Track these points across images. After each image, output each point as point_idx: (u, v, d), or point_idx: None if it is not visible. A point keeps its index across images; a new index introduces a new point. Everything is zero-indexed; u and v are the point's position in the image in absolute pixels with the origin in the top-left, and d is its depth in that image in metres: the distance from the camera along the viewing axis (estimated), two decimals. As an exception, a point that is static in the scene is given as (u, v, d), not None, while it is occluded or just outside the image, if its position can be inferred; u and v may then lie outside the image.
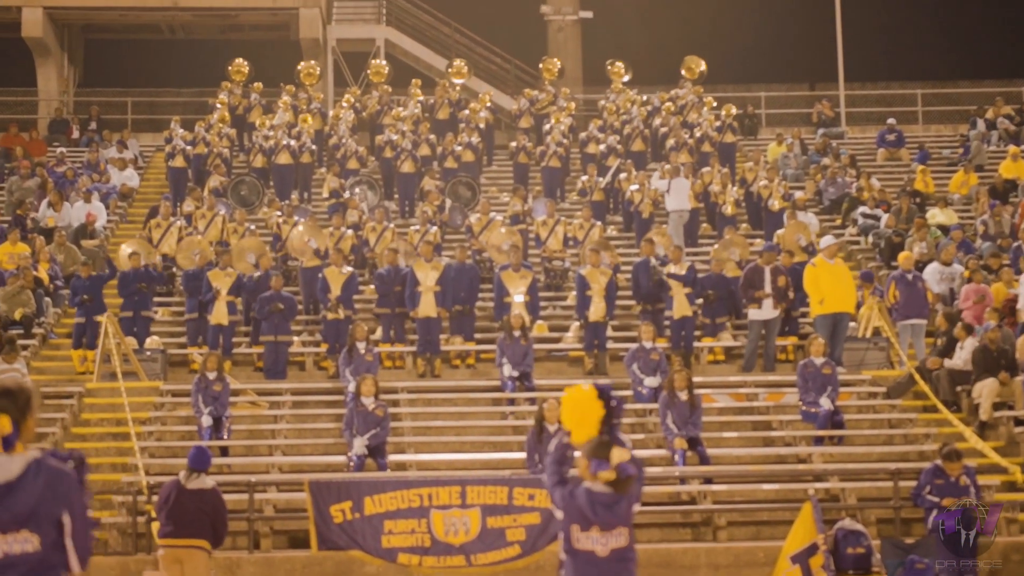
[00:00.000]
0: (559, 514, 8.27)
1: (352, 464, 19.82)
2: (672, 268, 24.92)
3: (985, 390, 21.61)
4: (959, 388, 22.34)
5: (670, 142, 34.00)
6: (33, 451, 6.22)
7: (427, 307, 24.56)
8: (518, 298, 24.81)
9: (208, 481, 14.67)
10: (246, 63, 38.47)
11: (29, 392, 6.28)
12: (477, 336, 25.56)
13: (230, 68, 38.19)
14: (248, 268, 26.13)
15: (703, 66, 38.17)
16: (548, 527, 16.43)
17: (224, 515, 14.78)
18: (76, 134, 39.42)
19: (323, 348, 24.97)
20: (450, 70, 39.27)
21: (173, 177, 33.06)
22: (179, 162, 33.04)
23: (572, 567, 8.19)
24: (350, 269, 25.34)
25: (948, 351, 22.87)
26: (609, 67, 38.98)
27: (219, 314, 24.75)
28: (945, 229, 29.38)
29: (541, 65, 39.84)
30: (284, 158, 32.95)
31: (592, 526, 8.15)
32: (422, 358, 24.67)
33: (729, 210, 30.18)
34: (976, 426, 21.35)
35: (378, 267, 26.44)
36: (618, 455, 8.10)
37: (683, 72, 38.36)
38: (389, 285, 25.25)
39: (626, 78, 38.62)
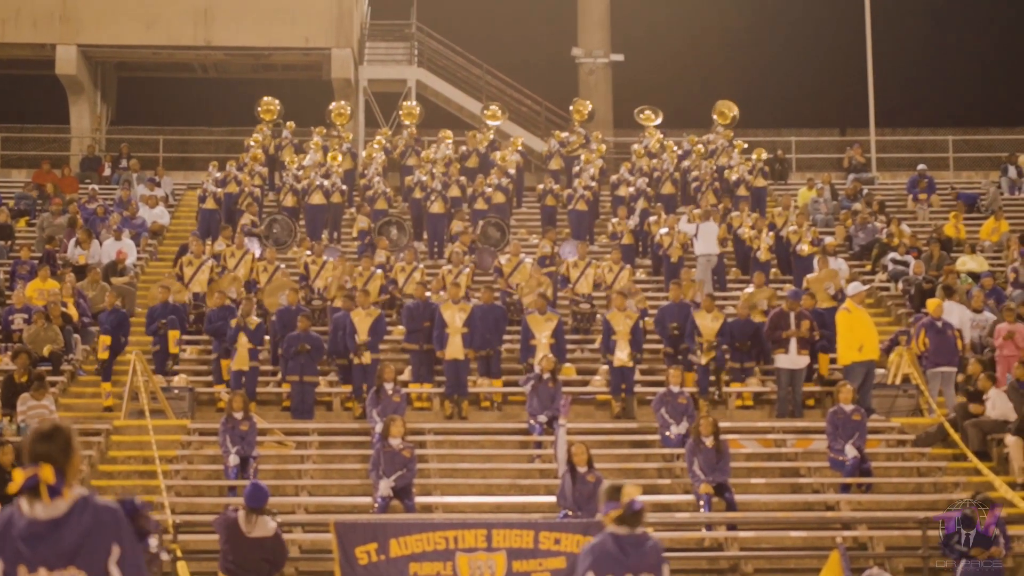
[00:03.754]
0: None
1: (377, 505, 19.78)
2: (707, 319, 24.80)
3: (1014, 449, 21.48)
4: (989, 437, 22.22)
5: (695, 184, 34.01)
6: (79, 489, 6.21)
7: (455, 349, 24.54)
8: (543, 341, 24.78)
9: (270, 524, 14.46)
10: (276, 101, 38.57)
11: (67, 432, 6.22)
12: (504, 378, 25.52)
13: (259, 108, 38.31)
14: (277, 306, 26.19)
15: (735, 111, 38.14)
16: (574, 571, 16.34)
17: (284, 558, 14.78)
18: (108, 171, 39.60)
19: (347, 389, 24.94)
20: (485, 113, 39.36)
21: (204, 218, 33.14)
22: (210, 204, 33.15)
23: None
24: (377, 310, 25.29)
25: (976, 400, 22.80)
26: (639, 115, 39.01)
27: (240, 359, 24.67)
28: (975, 276, 29.27)
29: (571, 107, 39.89)
30: (317, 198, 33.03)
31: (625, 573, 8.11)
32: (450, 400, 24.63)
33: (763, 255, 30.08)
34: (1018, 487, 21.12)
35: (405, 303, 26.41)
36: (629, 492, 8.07)
37: (715, 117, 38.35)
38: (418, 320, 25.23)
39: (657, 121, 38.66)
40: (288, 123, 38.19)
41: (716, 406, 24.48)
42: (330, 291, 27.37)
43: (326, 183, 33.19)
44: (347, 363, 24.90)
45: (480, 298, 25.80)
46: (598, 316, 27.19)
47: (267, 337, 25.69)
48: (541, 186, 35.09)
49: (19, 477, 6.13)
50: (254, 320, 24.97)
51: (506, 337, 26.05)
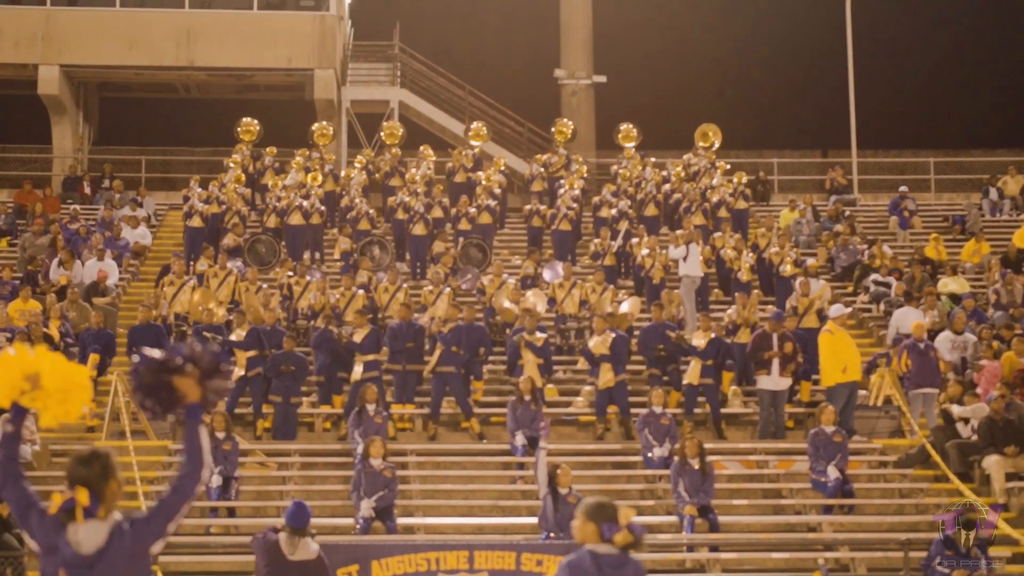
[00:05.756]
0: None
1: (359, 527, 19.73)
2: (700, 339, 24.87)
3: (994, 470, 21.51)
4: (971, 459, 22.24)
5: (684, 205, 33.99)
6: (115, 514, 6.45)
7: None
8: (531, 360, 24.82)
9: (312, 546, 14.00)
10: (255, 122, 38.46)
11: (105, 457, 6.52)
12: (487, 399, 25.51)
13: (239, 129, 38.22)
14: (262, 318, 26.24)
15: (719, 136, 38.05)
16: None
17: None
18: (87, 190, 39.46)
19: (322, 405, 24.97)
20: (469, 133, 39.36)
21: (189, 236, 33.03)
22: (196, 222, 32.99)
23: None
24: (370, 325, 25.29)
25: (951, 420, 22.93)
26: (618, 132, 39.03)
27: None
28: (956, 298, 29.33)
29: (553, 128, 39.92)
30: (296, 219, 32.96)
31: None
32: (433, 421, 24.65)
33: (744, 276, 30.12)
34: (994, 506, 21.14)
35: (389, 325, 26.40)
36: (625, 514, 7.83)
37: (698, 140, 38.28)
38: (401, 341, 25.19)
39: (634, 142, 38.65)
40: (269, 148, 38.11)
41: (699, 427, 24.51)
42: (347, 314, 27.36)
43: (305, 204, 33.15)
44: (328, 382, 24.94)
45: (463, 317, 25.81)
46: (586, 333, 27.15)
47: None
48: (528, 207, 35.09)
49: (58, 500, 6.44)
50: (239, 333, 25.04)
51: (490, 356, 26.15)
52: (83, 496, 6.39)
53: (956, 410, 22.78)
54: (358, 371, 24.51)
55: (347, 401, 24.51)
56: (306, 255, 32.81)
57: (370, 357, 24.68)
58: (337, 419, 24.86)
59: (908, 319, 26.32)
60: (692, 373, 24.67)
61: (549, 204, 35.53)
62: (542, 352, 25.09)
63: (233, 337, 25.17)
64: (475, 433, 24.64)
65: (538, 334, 25.23)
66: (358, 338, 24.76)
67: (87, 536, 6.36)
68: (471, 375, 25.44)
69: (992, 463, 21.61)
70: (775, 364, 24.29)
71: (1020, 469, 21.73)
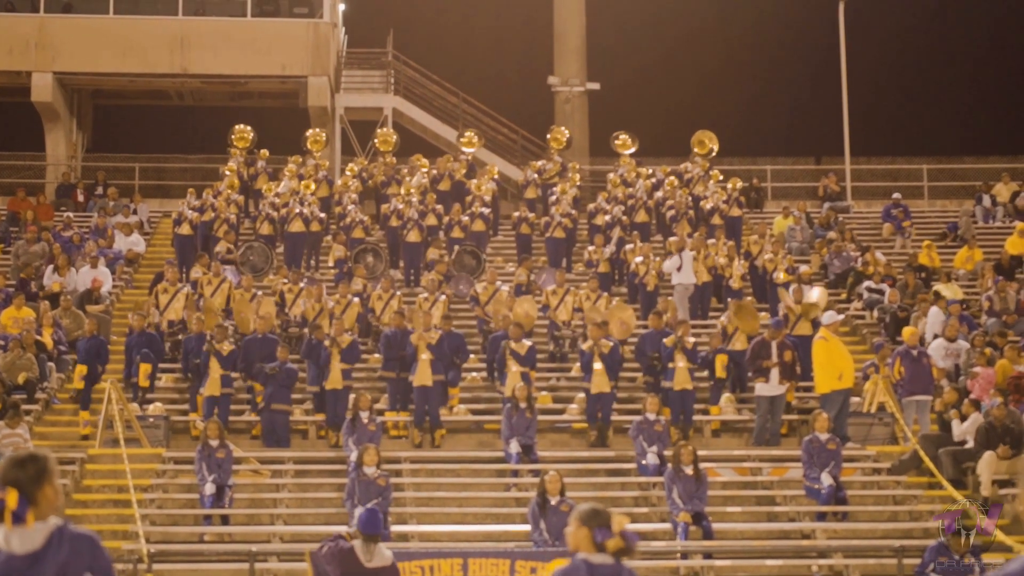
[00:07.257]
0: None
1: (353, 534, 19.70)
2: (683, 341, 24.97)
3: (982, 464, 21.54)
4: (964, 465, 22.26)
5: (670, 213, 33.98)
6: (54, 520, 6.20)
7: (423, 376, 24.61)
8: (515, 369, 24.79)
9: (387, 553, 13.51)
10: (248, 128, 38.44)
11: (42, 461, 6.22)
12: (480, 406, 25.53)
13: (233, 136, 38.18)
14: (253, 325, 26.24)
15: (715, 143, 38.00)
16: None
17: None
18: (81, 198, 39.41)
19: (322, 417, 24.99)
20: (461, 140, 39.36)
21: (179, 244, 33.03)
22: (185, 229, 32.98)
23: None
24: (350, 336, 25.30)
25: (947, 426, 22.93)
26: (615, 140, 39.01)
27: (212, 385, 24.60)
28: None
29: (549, 135, 39.90)
30: (297, 226, 32.93)
31: None
32: (419, 429, 24.70)
33: (735, 284, 30.15)
34: (980, 503, 21.19)
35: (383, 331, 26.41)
36: (619, 522, 7.73)
37: (694, 147, 38.21)
38: (395, 349, 25.21)
39: (631, 149, 38.63)
40: (262, 151, 38.10)
41: (692, 434, 24.53)
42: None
43: (305, 211, 33.13)
44: (321, 391, 24.93)
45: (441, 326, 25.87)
46: (579, 342, 27.16)
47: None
48: (516, 214, 35.08)
49: None
50: (227, 346, 24.93)
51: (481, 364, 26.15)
52: (12, 499, 6.07)
53: (958, 428, 22.74)
54: (336, 378, 24.57)
55: (328, 409, 24.58)
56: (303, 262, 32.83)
57: (345, 366, 24.83)
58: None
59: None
60: (678, 379, 24.67)
61: (543, 211, 35.51)
62: (527, 361, 25.05)
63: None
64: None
65: (524, 342, 25.22)
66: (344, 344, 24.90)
67: (21, 539, 6.09)
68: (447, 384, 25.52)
69: (987, 455, 21.59)
70: (774, 373, 24.30)
71: (1012, 474, 21.74)
